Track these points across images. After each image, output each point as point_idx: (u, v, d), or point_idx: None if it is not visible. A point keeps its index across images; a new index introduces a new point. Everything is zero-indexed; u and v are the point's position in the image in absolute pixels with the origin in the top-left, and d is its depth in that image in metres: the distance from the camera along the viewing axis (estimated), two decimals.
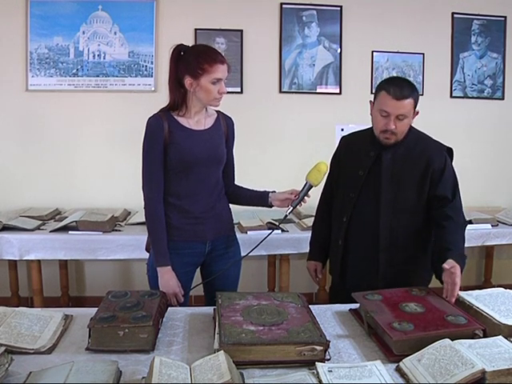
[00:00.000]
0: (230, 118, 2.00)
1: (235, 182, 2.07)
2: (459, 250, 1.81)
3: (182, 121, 1.86)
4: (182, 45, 1.84)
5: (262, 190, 2.01)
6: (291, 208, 1.86)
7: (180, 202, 1.88)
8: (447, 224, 1.88)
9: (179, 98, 1.84)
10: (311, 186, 1.82)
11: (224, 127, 1.96)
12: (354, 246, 2.00)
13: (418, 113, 1.93)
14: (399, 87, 1.85)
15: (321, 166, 1.82)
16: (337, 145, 2.19)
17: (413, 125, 1.97)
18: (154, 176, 1.84)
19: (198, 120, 1.89)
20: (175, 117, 1.86)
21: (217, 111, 1.97)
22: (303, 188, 1.83)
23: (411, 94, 1.86)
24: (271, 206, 1.98)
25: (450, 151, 1.98)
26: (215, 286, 1.90)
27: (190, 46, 1.85)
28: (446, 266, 1.66)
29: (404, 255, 1.95)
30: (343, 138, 2.17)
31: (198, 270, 2.02)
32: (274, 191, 1.97)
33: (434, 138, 2.02)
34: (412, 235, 1.95)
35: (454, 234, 1.86)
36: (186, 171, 1.85)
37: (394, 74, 3.69)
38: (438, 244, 1.87)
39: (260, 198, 1.99)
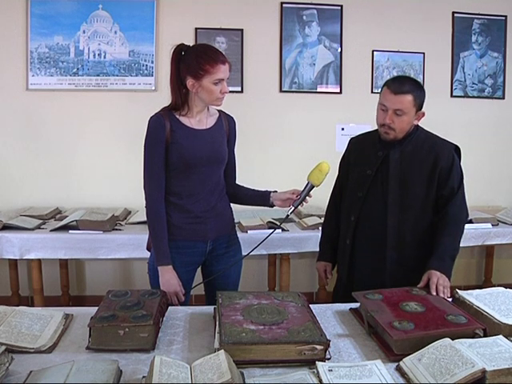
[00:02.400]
0: (232, 118, 2.00)
1: (236, 182, 2.07)
2: (445, 253, 1.84)
3: (184, 120, 1.86)
4: (182, 44, 1.83)
5: (263, 189, 2.01)
6: (293, 208, 1.86)
7: (181, 201, 1.88)
8: (443, 224, 1.90)
9: (181, 98, 1.84)
10: (313, 186, 1.82)
11: (226, 127, 1.96)
12: (362, 245, 2.01)
13: (423, 114, 1.93)
14: (400, 83, 1.88)
15: (323, 166, 1.81)
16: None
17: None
18: (156, 175, 1.84)
19: (199, 119, 1.89)
20: (177, 116, 1.86)
21: (219, 110, 1.97)
22: (305, 188, 1.83)
23: (411, 91, 1.87)
24: (272, 206, 1.98)
25: (457, 150, 1.99)
26: (216, 285, 1.91)
27: (191, 45, 1.85)
28: (425, 277, 1.76)
29: (412, 253, 1.95)
30: (352, 139, 2.19)
31: (199, 269, 2.02)
32: (276, 191, 1.97)
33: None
34: (420, 234, 1.95)
35: (447, 234, 1.88)
36: (188, 170, 1.85)
37: (395, 74, 3.69)
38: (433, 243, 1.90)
39: (261, 198, 1.99)
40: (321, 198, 2.20)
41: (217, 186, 1.94)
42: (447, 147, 1.97)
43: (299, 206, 1.87)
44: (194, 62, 1.77)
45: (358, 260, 2.03)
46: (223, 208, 1.98)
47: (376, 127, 2.05)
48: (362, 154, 2.07)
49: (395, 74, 3.67)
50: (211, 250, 1.95)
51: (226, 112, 2.00)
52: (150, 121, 1.85)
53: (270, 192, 1.97)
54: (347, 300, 1.74)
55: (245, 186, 2.05)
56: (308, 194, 1.84)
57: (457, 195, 1.93)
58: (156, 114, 1.86)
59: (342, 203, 2.13)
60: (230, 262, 1.97)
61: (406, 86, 1.87)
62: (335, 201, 2.20)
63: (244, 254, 2.04)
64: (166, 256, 1.84)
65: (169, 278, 1.83)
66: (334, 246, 2.16)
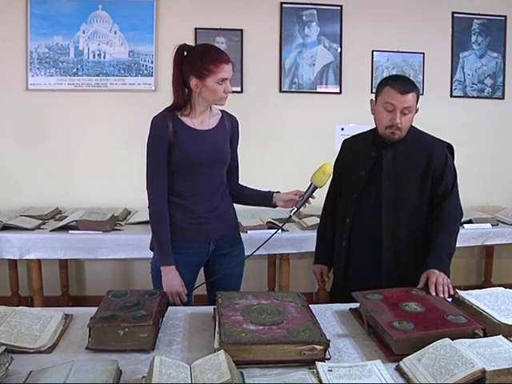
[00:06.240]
0: (235, 118, 2.00)
1: (239, 182, 2.07)
2: (442, 251, 1.84)
3: (187, 120, 1.86)
4: (184, 45, 1.83)
5: (265, 190, 2.01)
6: (295, 209, 1.86)
7: (184, 201, 1.88)
8: (438, 222, 1.90)
9: (184, 99, 1.84)
10: (316, 188, 1.82)
11: (228, 127, 1.96)
12: (358, 246, 2.01)
13: (417, 110, 1.95)
14: (402, 82, 1.89)
15: (326, 167, 1.81)
16: (338, 147, 2.20)
17: (413, 124, 1.98)
18: (159, 176, 1.84)
19: (202, 120, 1.89)
20: (180, 116, 1.86)
21: (221, 111, 1.97)
22: (308, 189, 1.83)
23: (414, 89, 1.89)
24: (275, 207, 1.98)
25: (450, 148, 1.99)
26: (219, 285, 1.90)
27: (194, 46, 1.85)
28: (424, 277, 1.76)
29: (407, 253, 1.95)
30: (345, 140, 2.19)
31: (201, 269, 2.01)
32: (279, 191, 1.97)
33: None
34: (415, 233, 1.95)
35: (443, 232, 1.88)
36: (191, 171, 1.85)
37: (394, 74, 3.69)
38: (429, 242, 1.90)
39: (264, 198, 1.99)
40: (321, 199, 2.21)
41: (220, 186, 1.94)
42: (440, 146, 1.97)
43: (302, 208, 1.87)
44: (197, 61, 1.77)
45: (354, 261, 2.02)
46: (226, 208, 1.98)
47: (371, 128, 2.06)
48: (355, 155, 2.07)
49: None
50: (214, 250, 1.95)
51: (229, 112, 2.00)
52: (152, 121, 1.85)
53: (273, 192, 1.97)
54: (344, 300, 1.75)
55: (248, 186, 2.05)
56: (311, 195, 1.84)
57: (451, 193, 1.94)
58: (159, 114, 1.86)
59: (337, 205, 2.13)
60: (233, 262, 1.96)
61: (409, 84, 1.89)
62: (330, 204, 2.19)
63: (245, 254, 2.04)
64: (169, 256, 1.84)
65: (172, 278, 1.83)
66: (330, 248, 2.16)
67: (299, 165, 3.50)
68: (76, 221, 2.88)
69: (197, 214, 1.89)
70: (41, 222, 3.05)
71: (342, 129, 3.68)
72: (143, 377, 1.19)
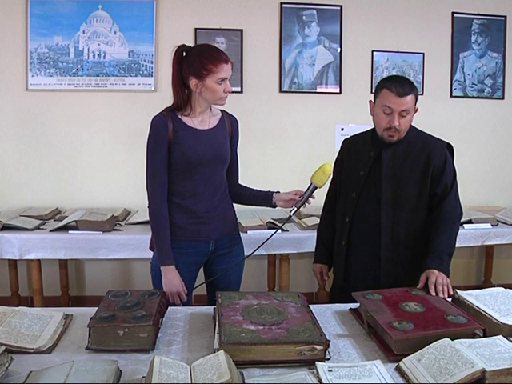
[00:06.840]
0: (235, 118, 2.00)
1: (239, 182, 2.07)
2: (442, 251, 1.84)
3: (187, 120, 1.86)
4: (184, 45, 1.83)
5: (265, 190, 2.01)
6: (295, 209, 1.86)
7: (184, 201, 1.88)
8: (438, 222, 1.90)
9: (183, 99, 1.84)
10: (316, 187, 1.82)
11: (228, 127, 1.96)
12: (357, 246, 2.01)
13: (417, 110, 1.95)
14: (400, 84, 1.88)
15: (326, 167, 1.82)
16: (338, 147, 2.20)
17: (413, 124, 1.98)
18: (158, 175, 1.84)
19: (202, 119, 1.89)
20: (179, 116, 1.86)
21: (221, 111, 1.97)
22: (308, 189, 1.83)
23: (412, 91, 1.88)
24: (275, 207, 1.98)
25: (449, 147, 1.99)
26: (218, 285, 1.91)
27: (193, 46, 1.85)
28: (424, 277, 1.75)
29: (406, 252, 1.95)
30: (344, 140, 2.19)
31: (201, 269, 2.01)
32: (278, 191, 1.97)
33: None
34: (414, 232, 1.95)
35: (443, 232, 1.88)
36: (190, 171, 1.85)
37: (394, 74, 3.69)
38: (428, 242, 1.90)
39: (264, 198, 1.99)
40: (321, 199, 2.21)
41: (219, 186, 1.94)
42: (439, 145, 1.97)
43: (302, 208, 1.87)
44: (197, 62, 1.77)
45: (353, 260, 2.03)
46: (226, 208, 1.98)
47: (371, 128, 2.06)
48: (354, 154, 2.08)
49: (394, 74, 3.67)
50: (214, 250, 1.95)
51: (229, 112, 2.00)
52: (152, 121, 1.85)
53: (273, 192, 1.97)
54: (344, 300, 1.75)
55: (247, 186, 2.05)
56: (311, 195, 1.84)
57: (450, 193, 1.94)
58: (158, 114, 1.86)
59: (337, 205, 2.14)
60: (233, 262, 1.97)
61: (407, 86, 1.88)
62: (330, 203, 2.20)
63: (245, 254, 2.04)
64: (169, 256, 1.84)
65: (171, 278, 1.83)
66: (330, 248, 2.16)
67: (299, 165, 3.51)
68: (76, 221, 2.88)
69: (196, 214, 1.89)
70: (41, 222, 3.05)
71: (342, 129, 3.68)
72: (143, 377, 1.19)
